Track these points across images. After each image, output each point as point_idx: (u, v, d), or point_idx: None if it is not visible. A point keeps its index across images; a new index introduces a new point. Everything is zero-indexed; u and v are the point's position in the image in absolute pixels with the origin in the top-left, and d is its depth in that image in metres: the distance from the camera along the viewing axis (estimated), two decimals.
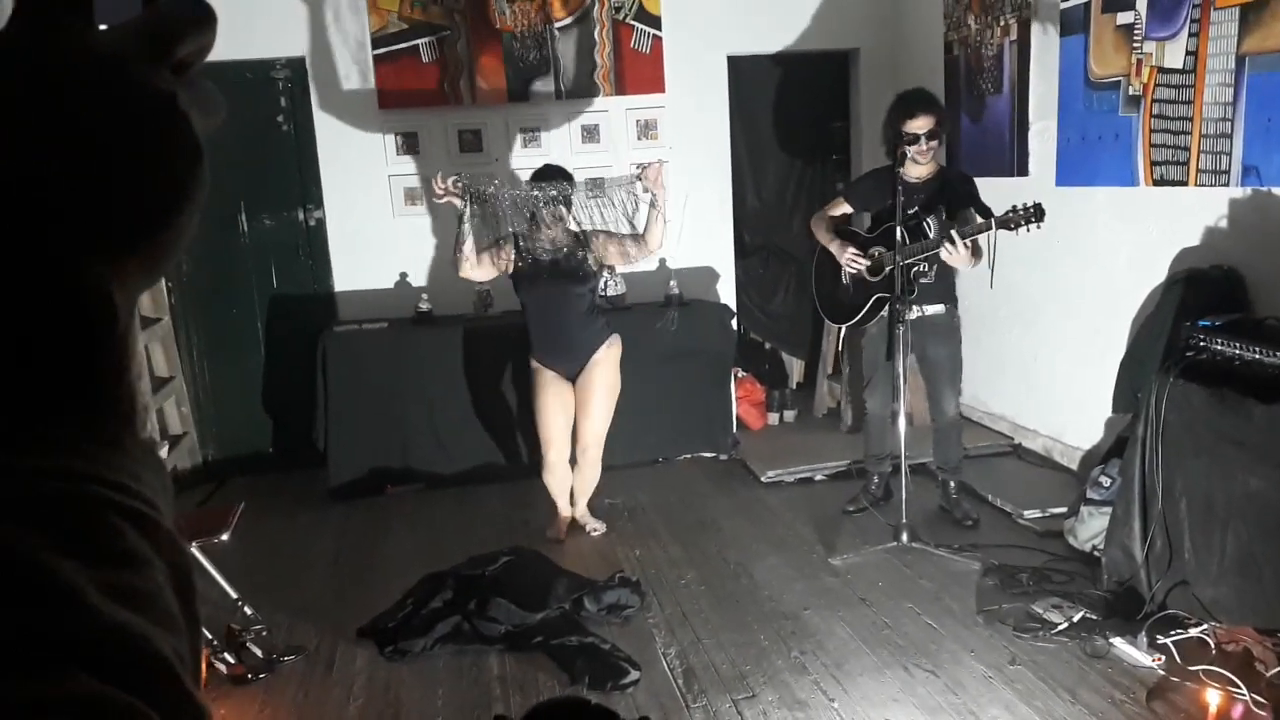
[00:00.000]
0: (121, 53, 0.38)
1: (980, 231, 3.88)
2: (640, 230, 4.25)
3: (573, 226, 4.24)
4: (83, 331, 0.35)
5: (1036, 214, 3.73)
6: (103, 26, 0.39)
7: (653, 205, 4.18)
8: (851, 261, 4.27)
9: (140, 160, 0.37)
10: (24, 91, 0.36)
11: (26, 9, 0.37)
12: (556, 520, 4.52)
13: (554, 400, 4.30)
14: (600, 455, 4.46)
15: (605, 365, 4.29)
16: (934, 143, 4.08)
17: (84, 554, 0.31)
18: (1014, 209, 3.77)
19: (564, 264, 4.18)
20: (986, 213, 3.97)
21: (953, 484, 4.45)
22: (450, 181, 4.10)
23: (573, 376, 4.31)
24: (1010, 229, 3.77)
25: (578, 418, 4.36)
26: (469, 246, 4.14)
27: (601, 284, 5.60)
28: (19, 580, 0.29)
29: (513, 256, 4.22)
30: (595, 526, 4.55)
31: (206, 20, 0.40)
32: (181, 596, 0.34)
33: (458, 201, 4.09)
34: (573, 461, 4.45)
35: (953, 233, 3.87)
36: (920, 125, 4.03)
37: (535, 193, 4.10)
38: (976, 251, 3.97)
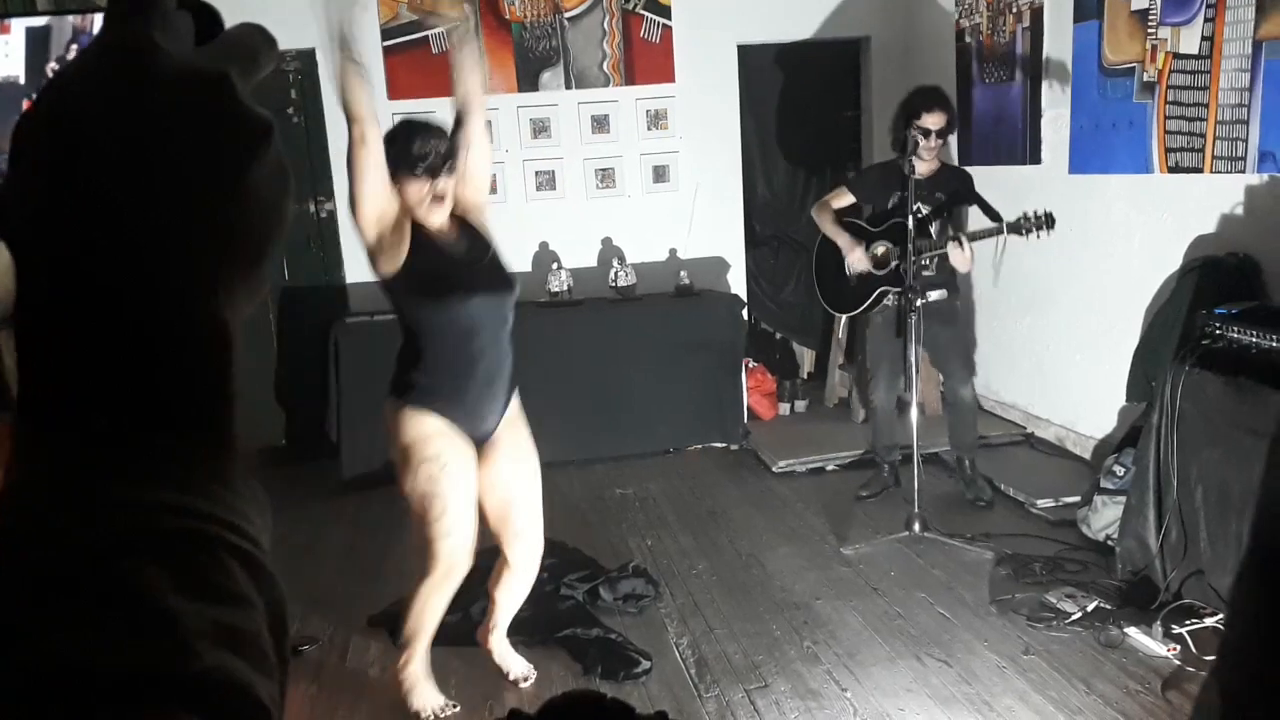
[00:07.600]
0: (225, 75, 0.36)
1: (990, 235, 3.96)
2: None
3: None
4: (207, 365, 0.35)
5: (1047, 221, 3.81)
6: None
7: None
8: (859, 263, 4.32)
9: (251, 188, 0.36)
10: (143, 110, 0.34)
11: (112, 19, 0.35)
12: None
13: (468, 477, 2.81)
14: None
15: (522, 414, 2.96)
16: (941, 141, 4.16)
17: (200, 593, 0.32)
18: (1025, 216, 3.84)
19: (485, 260, 2.77)
20: (995, 215, 4.02)
21: (968, 463, 4.49)
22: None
23: (483, 438, 2.87)
24: (1021, 234, 3.85)
25: (505, 496, 2.94)
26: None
27: (611, 274, 5.60)
28: (140, 617, 0.30)
29: (407, 233, 2.65)
30: (523, 673, 3.18)
31: (275, 46, 0.39)
32: (275, 637, 0.35)
33: None
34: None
35: (961, 236, 3.95)
36: (934, 121, 4.11)
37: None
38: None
